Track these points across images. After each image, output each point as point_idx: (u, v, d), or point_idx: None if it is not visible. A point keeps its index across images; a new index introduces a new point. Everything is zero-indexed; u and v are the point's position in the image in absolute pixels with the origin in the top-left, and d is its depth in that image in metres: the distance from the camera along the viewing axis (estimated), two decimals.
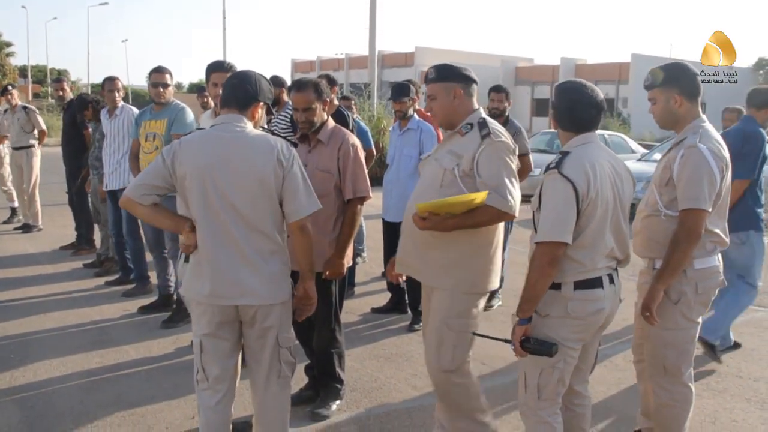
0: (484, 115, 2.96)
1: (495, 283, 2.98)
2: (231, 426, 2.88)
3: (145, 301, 5.56)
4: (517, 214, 2.81)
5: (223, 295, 2.66)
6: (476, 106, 3.00)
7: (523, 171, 5.73)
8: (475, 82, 3.00)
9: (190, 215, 2.68)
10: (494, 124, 2.92)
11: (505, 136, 2.89)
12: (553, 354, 2.56)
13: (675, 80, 2.89)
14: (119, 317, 5.29)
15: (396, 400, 3.90)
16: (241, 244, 2.63)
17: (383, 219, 5.45)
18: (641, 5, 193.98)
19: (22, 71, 50.19)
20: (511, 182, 2.81)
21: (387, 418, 3.67)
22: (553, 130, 2.94)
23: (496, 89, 5.62)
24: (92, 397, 3.84)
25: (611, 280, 2.67)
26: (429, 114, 6.07)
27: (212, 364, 2.75)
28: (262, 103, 2.82)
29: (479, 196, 2.72)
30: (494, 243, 2.95)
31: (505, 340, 2.75)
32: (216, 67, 4.12)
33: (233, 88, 2.78)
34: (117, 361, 4.37)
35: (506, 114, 5.59)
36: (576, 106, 2.66)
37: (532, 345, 2.57)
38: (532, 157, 5.83)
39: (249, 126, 2.74)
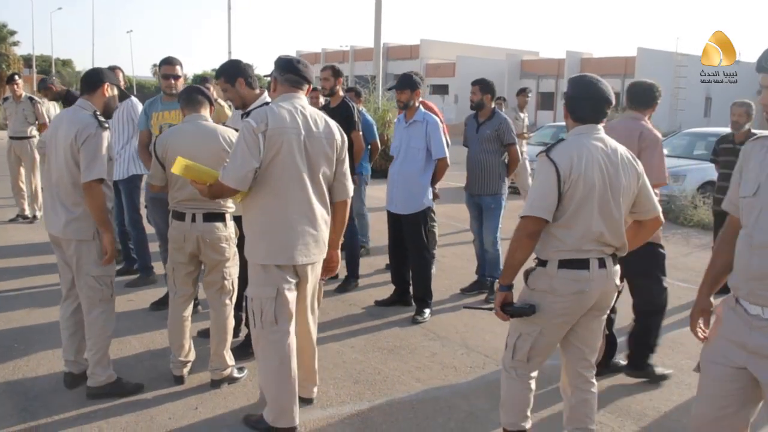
0: (268, 100, 3.58)
1: (263, 258, 3.16)
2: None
3: (151, 293, 5.58)
4: (234, 186, 3.03)
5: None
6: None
7: (511, 161, 5.74)
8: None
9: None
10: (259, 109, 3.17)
11: (258, 117, 3.07)
12: (530, 314, 2.80)
13: None
14: (123, 308, 5.28)
15: (400, 393, 3.89)
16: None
17: (388, 211, 5.41)
18: None
19: (27, 61, 50.14)
20: (234, 159, 3.06)
21: (391, 411, 3.67)
22: (559, 123, 2.88)
23: (474, 83, 5.75)
24: None
25: (602, 264, 2.76)
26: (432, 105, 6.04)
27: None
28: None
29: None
30: (262, 220, 3.16)
31: (489, 308, 3.06)
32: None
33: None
34: (120, 352, 4.37)
35: (488, 106, 5.71)
36: (598, 98, 2.80)
37: (512, 308, 2.84)
38: (534, 150, 5.81)
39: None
